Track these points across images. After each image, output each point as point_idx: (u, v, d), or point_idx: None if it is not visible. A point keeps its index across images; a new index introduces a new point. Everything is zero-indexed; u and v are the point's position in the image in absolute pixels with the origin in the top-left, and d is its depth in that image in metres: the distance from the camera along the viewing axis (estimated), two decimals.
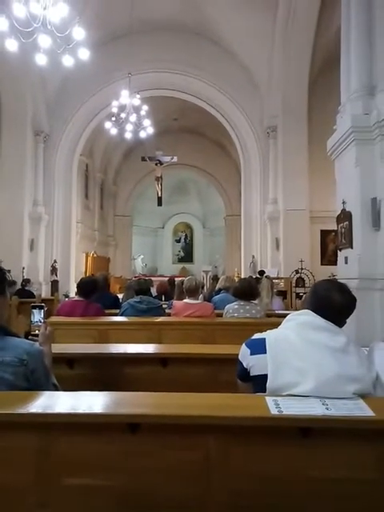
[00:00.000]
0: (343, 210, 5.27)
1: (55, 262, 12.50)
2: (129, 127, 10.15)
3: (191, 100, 13.00)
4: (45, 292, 11.71)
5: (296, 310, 2.88)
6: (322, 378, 1.52)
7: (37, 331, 1.94)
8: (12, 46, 5.96)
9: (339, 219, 5.43)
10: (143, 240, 21.90)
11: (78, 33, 6.00)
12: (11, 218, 11.26)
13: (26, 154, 11.70)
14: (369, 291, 4.46)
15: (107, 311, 4.25)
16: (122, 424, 1.41)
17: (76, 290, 4.20)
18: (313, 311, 1.70)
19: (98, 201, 17.89)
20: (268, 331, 1.74)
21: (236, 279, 6.59)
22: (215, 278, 11.62)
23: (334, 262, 6.19)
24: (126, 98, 9.75)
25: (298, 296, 9.13)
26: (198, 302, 4.19)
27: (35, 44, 5.92)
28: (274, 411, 1.41)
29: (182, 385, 1.99)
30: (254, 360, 1.69)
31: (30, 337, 1.92)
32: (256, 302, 4.16)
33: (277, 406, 1.44)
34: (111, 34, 11.44)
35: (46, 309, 2.06)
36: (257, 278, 7.37)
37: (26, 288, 9.06)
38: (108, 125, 10.24)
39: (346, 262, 5.18)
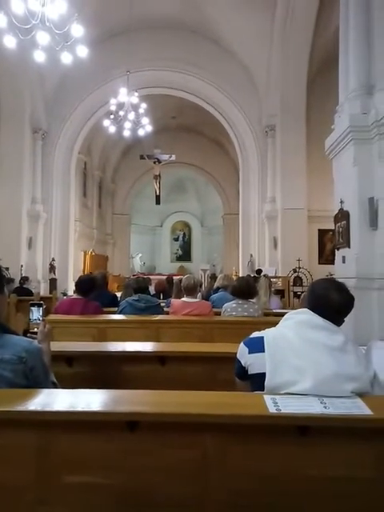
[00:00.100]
0: (341, 210, 5.28)
1: (53, 259, 12.49)
2: (127, 125, 10.13)
3: (189, 98, 12.97)
4: (43, 290, 11.70)
5: (293, 308, 2.89)
6: (320, 377, 1.53)
7: (35, 329, 1.95)
8: (10, 42, 5.92)
9: (337, 218, 5.44)
10: (141, 238, 21.87)
11: (77, 30, 5.98)
12: (9, 215, 11.23)
13: (24, 151, 11.66)
14: (366, 290, 4.48)
15: (105, 309, 4.25)
16: (121, 422, 1.41)
17: (74, 288, 4.19)
18: (311, 310, 1.71)
19: (96, 199, 17.85)
20: (266, 330, 1.75)
21: (234, 278, 6.58)
22: (213, 277, 11.59)
23: (332, 262, 6.21)
24: (124, 95, 9.75)
25: (296, 295, 9.15)
26: (196, 300, 4.18)
27: (33, 41, 5.90)
28: (272, 409, 1.42)
29: (180, 383, 1.98)
30: (252, 358, 1.69)
31: (28, 334, 1.92)
32: (254, 300, 4.17)
33: (275, 404, 1.45)
34: (110, 31, 11.40)
35: (44, 306, 2.06)
36: (255, 276, 7.37)
37: (25, 286, 9.06)
38: (106, 123, 10.19)
39: (344, 262, 5.19)
